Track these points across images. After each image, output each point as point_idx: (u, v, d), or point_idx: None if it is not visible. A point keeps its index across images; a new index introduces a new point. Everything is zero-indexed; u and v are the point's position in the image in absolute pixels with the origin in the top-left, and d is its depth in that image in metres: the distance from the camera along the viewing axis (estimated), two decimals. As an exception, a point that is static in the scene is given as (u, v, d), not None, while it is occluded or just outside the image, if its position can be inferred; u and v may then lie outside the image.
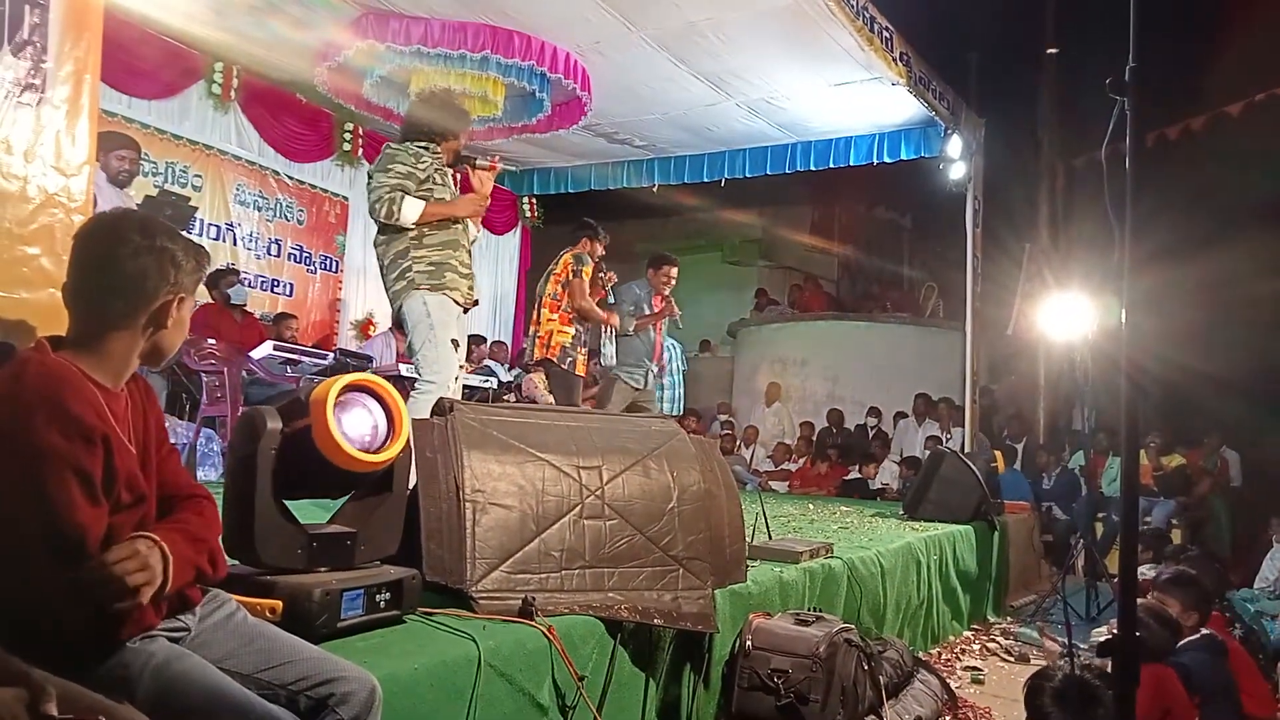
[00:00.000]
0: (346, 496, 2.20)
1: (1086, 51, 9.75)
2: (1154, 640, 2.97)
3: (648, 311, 6.01)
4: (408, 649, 1.97)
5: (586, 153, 8.68)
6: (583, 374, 5.39)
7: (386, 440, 2.08)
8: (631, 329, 5.82)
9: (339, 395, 1.98)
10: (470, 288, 3.92)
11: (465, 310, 3.92)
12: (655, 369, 6.02)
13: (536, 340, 5.48)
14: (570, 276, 5.44)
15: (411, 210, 3.69)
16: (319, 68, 6.31)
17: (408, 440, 2.16)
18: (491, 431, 2.64)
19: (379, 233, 3.86)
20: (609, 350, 5.50)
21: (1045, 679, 2.64)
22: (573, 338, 5.36)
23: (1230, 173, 9.41)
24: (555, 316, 5.42)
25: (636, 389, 5.93)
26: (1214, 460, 8.63)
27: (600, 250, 5.69)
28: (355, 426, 2.05)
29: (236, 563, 1.94)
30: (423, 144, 3.83)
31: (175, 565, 1.46)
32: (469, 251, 3.96)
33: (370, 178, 3.79)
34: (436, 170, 3.82)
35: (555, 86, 6.28)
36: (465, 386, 7.45)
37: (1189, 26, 8.63)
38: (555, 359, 5.34)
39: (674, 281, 6.02)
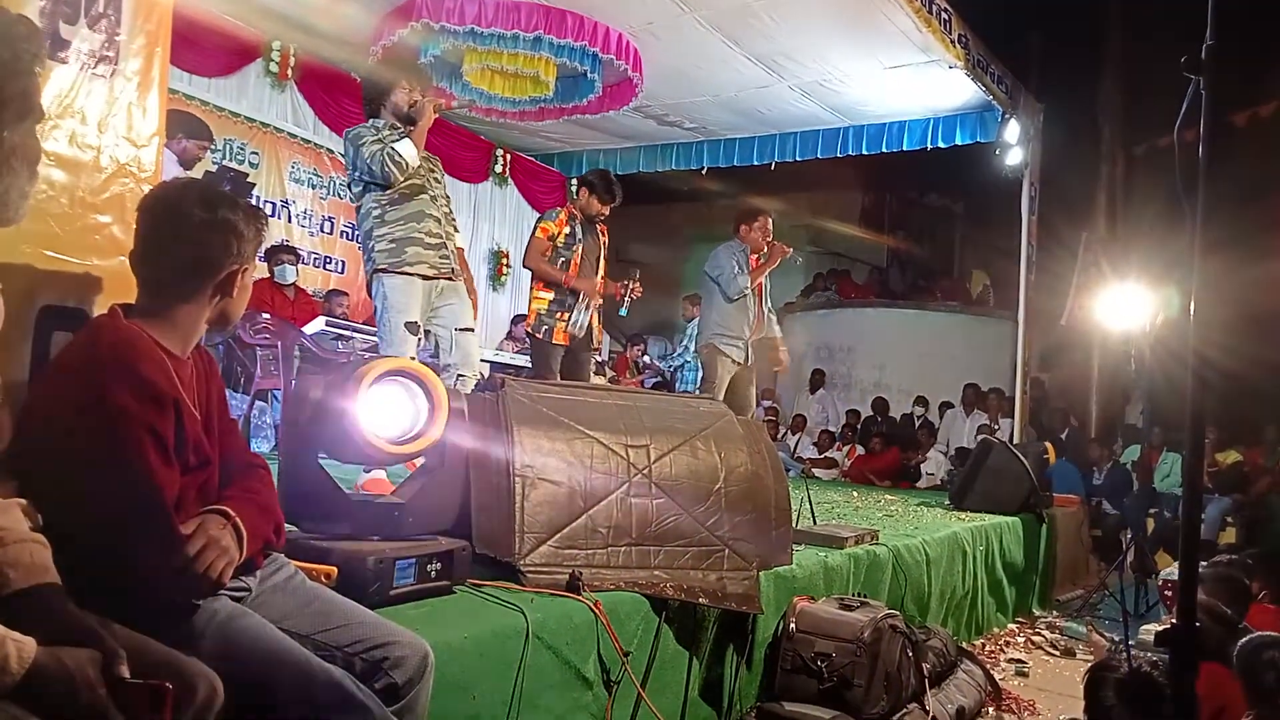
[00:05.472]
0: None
1: (1151, 38, 9.48)
2: (1208, 638, 2.89)
3: (749, 271, 5.47)
4: (457, 618, 2.01)
5: (636, 135, 8.65)
6: (562, 342, 4.83)
7: (426, 426, 2.10)
8: (747, 287, 5.42)
9: (374, 381, 1.97)
10: (442, 257, 3.87)
11: (445, 278, 3.88)
12: (751, 340, 5.60)
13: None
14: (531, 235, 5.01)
15: (408, 149, 3.80)
16: (374, 47, 6.36)
17: (445, 426, 2.16)
18: (541, 408, 2.66)
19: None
20: (580, 318, 4.82)
21: (1108, 670, 2.55)
22: (550, 303, 4.84)
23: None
24: (534, 283, 5.01)
25: (738, 364, 5.55)
26: (1275, 458, 8.39)
27: (598, 208, 4.99)
28: (391, 413, 2.05)
29: (293, 528, 1.99)
30: (372, 118, 4.06)
31: (248, 540, 1.52)
32: (438, 219, 3.92)
33: (353, 166, 3.93)
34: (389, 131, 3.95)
35: (607, 67, 6.26)
36: (510, 366, 7.50)
37: (1257, 10, 8.33)
38: (530, 329, 4.93)
39: (770, 233, 5.59)
